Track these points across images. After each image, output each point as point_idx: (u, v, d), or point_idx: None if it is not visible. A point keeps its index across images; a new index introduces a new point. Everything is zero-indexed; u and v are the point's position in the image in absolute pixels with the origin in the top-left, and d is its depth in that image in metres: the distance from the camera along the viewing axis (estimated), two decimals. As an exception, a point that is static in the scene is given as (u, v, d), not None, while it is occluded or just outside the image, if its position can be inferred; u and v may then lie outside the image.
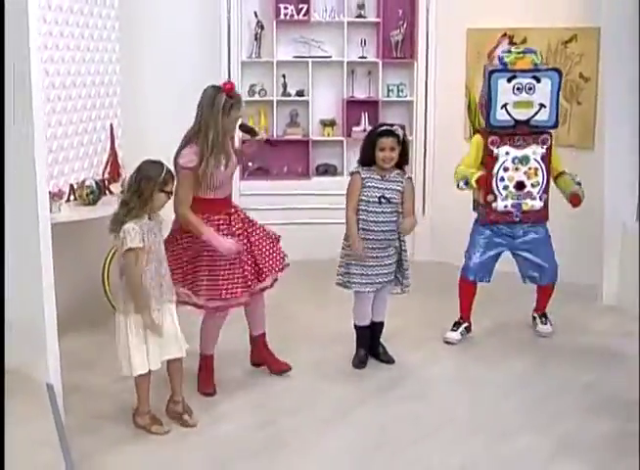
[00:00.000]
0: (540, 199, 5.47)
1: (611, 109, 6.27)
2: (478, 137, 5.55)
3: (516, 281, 5.74)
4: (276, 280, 4.88)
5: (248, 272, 4.64)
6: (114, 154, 6.38)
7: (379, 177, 4.98)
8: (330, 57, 7.57)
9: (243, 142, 4.98)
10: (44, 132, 4.40)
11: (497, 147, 5.42)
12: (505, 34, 7.04)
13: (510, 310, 6.02)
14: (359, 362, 5.16)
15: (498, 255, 5.59)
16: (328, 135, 7.64)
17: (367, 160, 5.00)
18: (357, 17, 7.52)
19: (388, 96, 7.65)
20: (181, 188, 4.45)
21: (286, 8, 7.35)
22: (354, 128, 7.55)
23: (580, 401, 4.68)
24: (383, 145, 4.90)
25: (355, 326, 5.22)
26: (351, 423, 4.44)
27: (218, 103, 4.50)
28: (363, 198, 4.97)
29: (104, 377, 4.86)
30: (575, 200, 5.49)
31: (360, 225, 4.97)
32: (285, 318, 5.03)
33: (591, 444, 4.18)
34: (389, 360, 5.22)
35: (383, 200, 4.95)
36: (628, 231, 6.28)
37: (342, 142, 7.64)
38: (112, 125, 6.46)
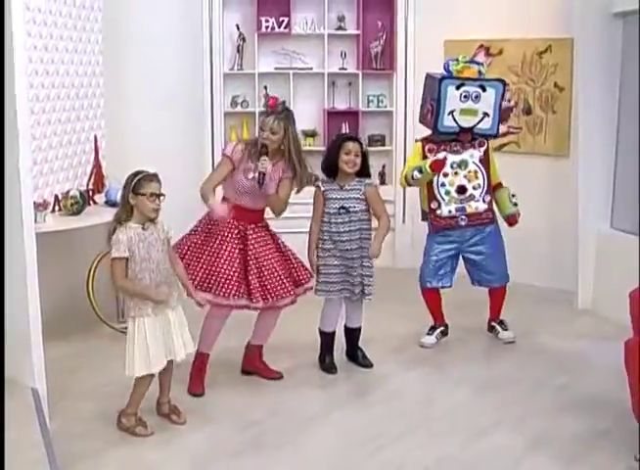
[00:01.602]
0: (484, 201, 5.57)
1: (584, 117, 6.40)
2: (418, 145, 5.66)
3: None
4: (292, 302, 5.00)
5: (252, 285, 4.75)
6: (97, 165, 6.48)
7: (338, 187, 5.08)
8: (311, 68, 7.69)
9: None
10: (29, 144, 4.48)
11: (434, 154, 5.50)
12: (482, 46, 7.10)
13: (483, 314, 6.11)
14: (329, 368, 5.25)
15: (452, 258, 5.66)
16: (309, 145, 7.73)
17: (330, 166, 5.09)
18: (337, 29, 7.65)
19: (368, 106, 7.78)
20: (214, 170, 4.98)
21: (267, 21, 7.47)
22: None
23: (553, 402, 4.80)
24: (348, 149, 5.00)
25: (320, 332, 5.31)
26: (330, 424, 4.55)
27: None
28: (326, 210, 5.08)
29: (88, 383, 4.95)
30: (512, 221, 5.68)
31: (326, 236, 5.08)
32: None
33: (562, 441, 4.29)
34: (368, 365, 5.33)
35: (342, 210, 5.05)
36: (603, 237, 6.41)
37: (323, 152, 7.73)
38: (95, 137, 6.56)
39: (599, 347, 5.69)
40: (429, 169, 5.40)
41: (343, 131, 7.58)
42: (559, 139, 6.93)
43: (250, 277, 4.77)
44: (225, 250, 4.77)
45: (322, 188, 5.11)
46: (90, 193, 6.19)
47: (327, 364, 5.27)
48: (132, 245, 4.18)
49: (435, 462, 4.10)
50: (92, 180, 6.40)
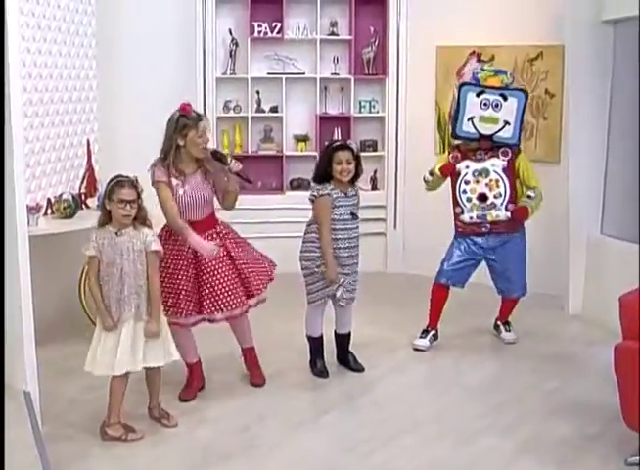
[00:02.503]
0: (506, 209, 5.60)
1: (575, 124, 6.44)
2: (445, 154, 5.79)
3: (482, 290, 5.92)
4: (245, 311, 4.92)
5: (206, 296, 4.70)
6: (90, 169, 6.49)
7: (343, 194, 5.07)
8: (303, 74, 7.72)
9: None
10: (22, 147, 4.49)
11: (458, 162, 5.60)
12: (474, 52, 7.21)
13: (476, 319, 6.17)
14: (320, 372, 5.26)
15: (474, 263, 5.72)
16: (301, 150, 7.79)
17: (323, 175, 5.06)
18: (330, 35, 7.68)
19: (360, 112, 7.81)
20: (162, 197, 4.62)
21: (260, 26, 7.50)
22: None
23: (544, 406, 4.83)
24: (340, 158, 4.99)
25: (308, 337, 5.31)
26: (321, 428, 4.57)
27: (174, 122, 4.63)
28: (334, 217, 5.03)
29: (80, 386, 4.94)
30: (521, 211, 5.58)
31: (340, 244, 5.06)
32: (259, 329, 5.14)
33: (552, 445, 4.32)
34: (360, 369, 5.34)
35: (354, 216, 5.09)
36: (593, 243, 6.44)
37: (315, 157, 7.73)
38: (88, 141, 6.58)
39: (589, 351, 5.73)
40: (438, 173, 5.55)
41: (336, 136, 7.61)
42: (550, 145, 6.96)
43: (202, 291, 4.70)
44: (179, 269, 4.69)
45: (333, 195, 5.04)
46: (83, 196, 6.21)
47: (318, 369, 5.28)
48: (100, 246, 4.26)
49: (426, 466, 4.13)
50: (85, 184, 6.41)
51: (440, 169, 5.56)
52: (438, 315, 5.79)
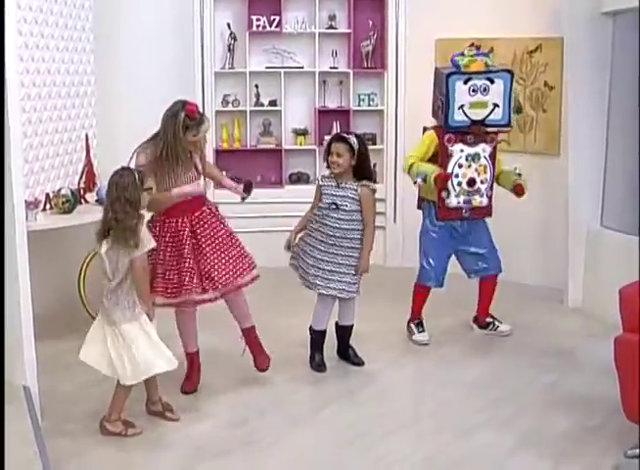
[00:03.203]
0: (487, 195, 5.62)
1: (574, 116, 6.43)
2: (432, 134, 5.62)
3: (465, 282, 5.92)
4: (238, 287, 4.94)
5: (200, 273, 4.73)
6: (89, 163, 6.49)
7: (334, 184, 5.13)
8: (302, 67, 7.70)
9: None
10: (20, 143, 4.49)
11: (452, 144, 5.56)
12: (472, 44, 7.09)
13: (473, 312, 6.11)
14: (318, 366, 5.27)
15: (449, 257, 5.75)
16: (300, 144, 7.77)
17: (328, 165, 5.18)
18: (328, 28, 7.66)
19: (359, 105, 7.79)
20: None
21: (258, 19, 7.48)
22: (326, 137, 7.59)
23: (542, 399, 4.83)
24: (331, 149, 5.07)
25: (311, 329, 5.31)
26: (320, 422, 4.57)
27: (179, 120, 4.64)
28: (320, 204, 5.15)
29: (79, 381, 4.94)
30: (519, 189, 5.63)
31: (320, 229, 5.12)
32: (258, 323, 5.14)
33: (552, 438, 4.33)
34: (359, 363, 5.34)
35: (333, 206, 5.08)
36: (593, 235, 6.43)
37: (314, 151, 7.77)
38: (87, 135, 6.58)
39: (589, 344, 5.72)
40: (432, 183, 5.43)
41: (335, 130, 7.58)
42: (549, 138, 6.95)
43: (201, 268, 4.74)
44: (186, 254, 4.72)
45: (320, 183, 5.19)
46: (81, 191, 6.19)
47: (316, 363, 5.28)
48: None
49: (424, 460, 4.13)
50: (83, 179, 6.40)
51: (436, 180, 5.39)
52: (421, 309, 5.83)
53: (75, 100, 6.46)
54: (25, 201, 5.24)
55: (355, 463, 4.13)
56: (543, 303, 6.57)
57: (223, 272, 4.77)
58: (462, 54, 5.64)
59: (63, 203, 5.74)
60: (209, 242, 4.78)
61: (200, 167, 4.85)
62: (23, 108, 5.58)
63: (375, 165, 7.77)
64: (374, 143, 7.80)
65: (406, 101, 7.65)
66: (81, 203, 6.04)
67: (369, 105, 7.82)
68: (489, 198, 5.64)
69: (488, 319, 5.92)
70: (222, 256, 4.80)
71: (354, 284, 5.16)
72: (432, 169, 5.45)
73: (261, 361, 5.06)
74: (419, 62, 7.46)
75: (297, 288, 5.31)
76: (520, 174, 5.67)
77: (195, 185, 4.76)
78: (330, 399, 4.85)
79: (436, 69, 5.85)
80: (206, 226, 4.80)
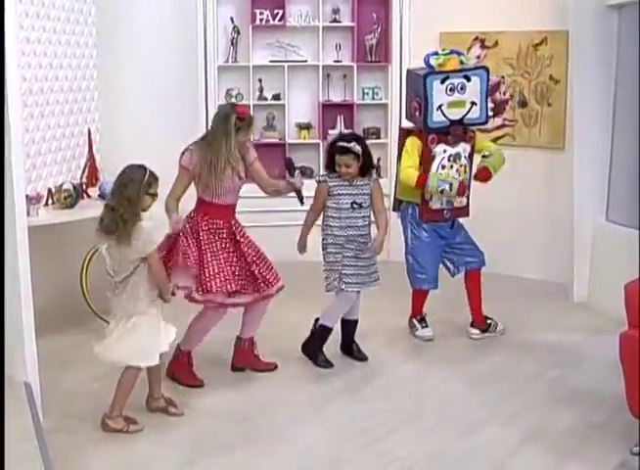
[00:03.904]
0: (466, 195, 5.56)
1: (580, 110, 6.39)
2: (413, 139, 5.52)
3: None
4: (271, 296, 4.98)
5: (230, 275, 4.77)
6: (91, 158, 6.47)
7: (347, 183, 5.08)
8: (305, 61, 7.67)
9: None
10: (21, 138, 4.46)
11: (435, 146, 5.46)
12: (477, 38, 7.16)
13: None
14: (325, 362, 5.23)
15: (440, 256, 5.70)
16: (304, 138, 7.74)
17: (332, 165, 5.12)
18: (332, 21, 7.62)
19: (363, 99, 7.76)
20: (175, 183, 4.79)
21: (262, 13, 7.45)
22: (330, 131, 7.63)
23: (548, 395, 4.79)
24: (339, 162, 5.04)
25: (323, 327, 5.26)
26: (323, 418, 4.54)
27: (230, 122, 4.73)
28: (334, 205, 5.08)
29: (81, 377, 4.94)
30: (483, 173, 5.53)
31: (336, 232, 5.07)
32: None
33: (556, 435, 4.29)
34: (363, 358, 5.32)
35: (355, 205, 5.06)
36: (598, 230, 6.40)
37: (318, 145, 7.73)
38: (89, 130, 6.55)
39: (594, 340, 5.68)
40: (413, 185, 5.40)
41: (338, 124, 7.58)
42: (554, 132, 6.91)
43: (252, 270, 4.81)
44: (223, 250, 4.80)
45: (329, 184, 5.09)
46: (84, 186, 6.16)
47: (323, 359, 5.24)
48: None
49: (429, 456, 4.10)
50: (86, 174, 6.38)
51: (417, 183, 5.37)
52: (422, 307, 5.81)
53: (78, 94, 6.43)
54: (27, 196, 5.23)
55: (359, 459, 4.10)
56: (548, 298, 6.53)
57: (269, 276, 4.90)
58: (435, 54, 5.54)
59: (65, 198, 5.71)
60: (251, 246, 4.91)
61: (243, 175, 4.89)
62: (25, 102, 5.56)
63: (379, 160, 7.77)
64: (378, 137, 7.79)
65: (410, 95, 7.59)
66: (83, 198, 6.00)
67: (373, 99, 7.78)
68: (467, 198, 5.57)
69: (488, 321, 5.79)
70: (264, 261, 4.93)
71: (377, 273, 5.22)
72: (411, 177, 5.42)
73: (268, 365, 5.12)
74: (423, 55, 7.38)
75: (298, 283, 5.28)
76: (485, 156, 5.56)
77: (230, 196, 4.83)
78: (333, 396, 4.83)
79: (409, 70, 5.78)
80: (243, 232, 4.92)
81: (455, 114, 5.46)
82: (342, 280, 5.09)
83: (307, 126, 7.75)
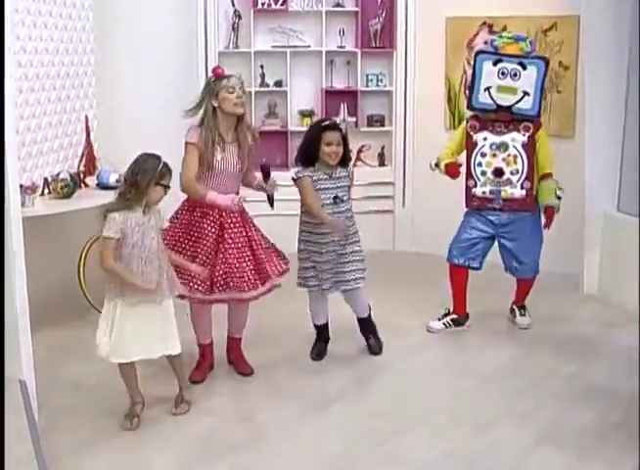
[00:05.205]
0: (522, 187, 5.37)
1: (590, 97, 6.24)
2: (463, 124, 5.55)
3: (497, 271, 5.67)
4: (270, 290, 4.80)
5: (218, 272, 4.58)
6: (89, 146, 6.33)
7: (327, 177, 4.86)
8: (308, 47, 7.50)
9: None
10: (15, 125, 4.30)
11: (476, 132, 5.37)
12: (485, 23, 6.99)
13: (491, 301, 5.95)
14: (316, 355, 5.11)
15: (485, 240, 5.49)
16: (307, 126, 7.54)
17: (309, 156, 4.86)
18: (335, 6, 7.44)
19: (367, 86, 7.59)
20: (186, 158, 4.58)
21: (263, -3, 7.29)
22: (334, 119, 7.45)
23: (562, 392, 4.65)
24: (329, 139, 4.78)
25: (314, 325, 5.18)
26: (331, 416, 4.39)
27: (210, 86, 4.65)
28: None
29: (78, 373, 4.80)
30: (549, 213, 5.40)
31: (309, 229, 4.88)
32: (265, 311, 4.98)
33: (573, 433, 4.15)
34: (375, 352, 5.19)
35: (337, 200, 4.86)
36: (609, 220, 6.26)
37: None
38: (87, 117, 6.40)
39: (607, 333, 5.53)
40: (443, 170, 5.41)
41: (342, 111, 7.42)
42: (564, 119, 6.75)
43: (217, 268, 4.58)
44: (204, 244, 4.60)
45: (314, 178, 4.83)
46: (81, 175, 6.01)
47: (318, 350, 5.13)
48: (127, 228, 4.02)
49: (440, 456, 3.95)
50: (83, 162, 6.23)
51: (446, 168, 5.36)
52: (461, 299, 5.57)
53: (75, 80, 6.27)
54: (23, 186, 5.09)
55: (367, 459, 3.95)
56: (558, 289, 6.39)
57: (241, 278, 4.63)
58: (500, 36, 5.43)
59: (61, 187, 5.55)
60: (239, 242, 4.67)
61: (246, 162, 4.72)
62: (20, 88, 5.43)
63: (383, 148, 7.66)
64: (382, 125, 7.64)
65: (416, 81, 7.46)
66: (81, 187, 5.85)
67: (377, 85, 7.61)
68: (526, 190, 5.38)
69: (514, 306, 5.74)
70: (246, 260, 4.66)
71: (363, 270, 4.98)
72: (447, 157, 5.39)
73: (245, 367, 4.93)
74: (429, 41, 7.28)
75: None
76: (559, 198, 5.41)
77: (230, 198, 4.57)
78: (340, 393, 4.67)
79: (470, 45, 5.67)
80: (235, 230, 4.68)
81: (504, 99, 5.30)
82: (305, 277, 4.94)
83: (310, 114, 7.58)
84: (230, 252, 4.60)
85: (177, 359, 4.36)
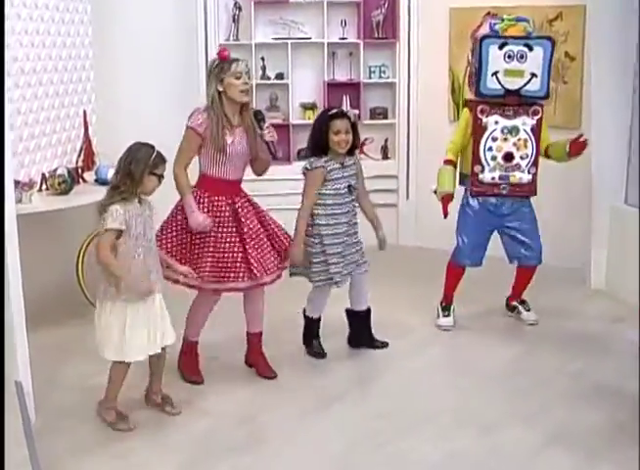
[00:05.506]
0: (529, 172, 5.29)
1: (597, 88, 6.14)
2: (465, 110, 5.41)
3: (501, 266, 5.57)
4: (279, 277, 4.72)
5: (253, 259, 4.50)
6: (87, 141, 6.26)
7: (339, 166, 4.79)
8: (310, 38, 7.40)
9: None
10: (11, 120, 4.22)
11: (486, 116, 5.26)
12: (489, 13, 6.86)
13: (495, 297, 5.85)
14: (317, 353, 5.04)
15: (488, 234, 5.43)
16: (309, 119, 7.45)
17: (320, 146, 4.78)
18: (337, -4, 7.36)
19: (369, 78, 7.50)
20: (183, 145, 4.52)
21: (264, -12, 7.20)
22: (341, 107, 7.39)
23: (569, 390, 4.56)
24: (338, 128, 4.71)
25: (308, 318, 5.09)
26: (332, 417, 4.31)
27: (210, 68, 4.55)
28: (330, 192, 4.76)
29: (76, 373, 4.74)
30: (577, 146, 5.27)
31: (342, 219, 4.81)
32: (267, 308, 4.90)
33: (581, 434, 4.06)
34: (378, 346, 5.14)
35: (351, 188, 4.81)
36: (616, 214, 6.16)
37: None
38: (85, 112, 6.33)
39: (614, 329, 5.44)
40: (438, 196, 5.32)
41: (344, 104, 7.32)
42: (570, 111, 6.65)
43: (249, 254, 4.50)
44: (224, 234, 4.51)
45: (328, 168, 4.76)
46: (79, 171, 5.94)
47: (315, 349, 5.05)
48: (130, 219, 3.94)
49: (444, 459, 3.87)
50: (82, 157, 6.15)
51: (442, 199, 5.27)
52: (453, 292, 5.55)
53: (73, 74, 6.19)
54: (20, 181, 5.02)
55: (369, 461, 3.87)
56: (565, 284, 6.29)
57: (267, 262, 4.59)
58: (501, 19, 5.32)
59: (59, 183, 5.47)
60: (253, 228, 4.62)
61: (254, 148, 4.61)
62: (17, 83, 5.35)
63: (386, 141, 7.57)
64: (385, 117, 7.56)
65: (419, 73, 7.37)
66: (79, 183, 5.78)
67: (380, 77, 7.52)
68: (533, 175, 5.31)
69: (514, 303, 5.65)
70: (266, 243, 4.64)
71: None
72: (454, 154, 5.31)
73: (267, 370, 4.81)
74: (432, 32, 7.19)
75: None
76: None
77: (202, 220, 4.46)
78: (341, 393, 4.58)
79: (476, 35, 5.54)
80: (248, 211, 4.63)
81: (512, 83, 5.21)
82: (328, 272, 4.83)
83: (312, 106, 7.50)
84: (255, 237, 4.58)
85: (164, 353, 4.26)
